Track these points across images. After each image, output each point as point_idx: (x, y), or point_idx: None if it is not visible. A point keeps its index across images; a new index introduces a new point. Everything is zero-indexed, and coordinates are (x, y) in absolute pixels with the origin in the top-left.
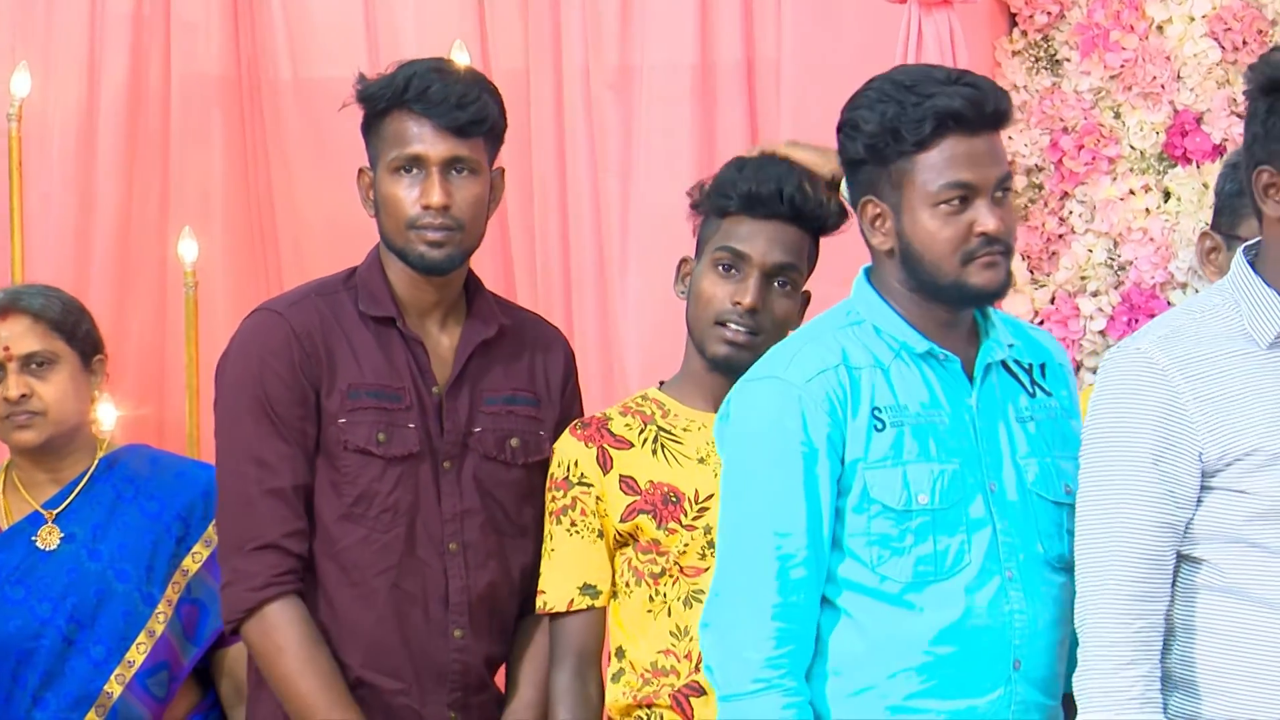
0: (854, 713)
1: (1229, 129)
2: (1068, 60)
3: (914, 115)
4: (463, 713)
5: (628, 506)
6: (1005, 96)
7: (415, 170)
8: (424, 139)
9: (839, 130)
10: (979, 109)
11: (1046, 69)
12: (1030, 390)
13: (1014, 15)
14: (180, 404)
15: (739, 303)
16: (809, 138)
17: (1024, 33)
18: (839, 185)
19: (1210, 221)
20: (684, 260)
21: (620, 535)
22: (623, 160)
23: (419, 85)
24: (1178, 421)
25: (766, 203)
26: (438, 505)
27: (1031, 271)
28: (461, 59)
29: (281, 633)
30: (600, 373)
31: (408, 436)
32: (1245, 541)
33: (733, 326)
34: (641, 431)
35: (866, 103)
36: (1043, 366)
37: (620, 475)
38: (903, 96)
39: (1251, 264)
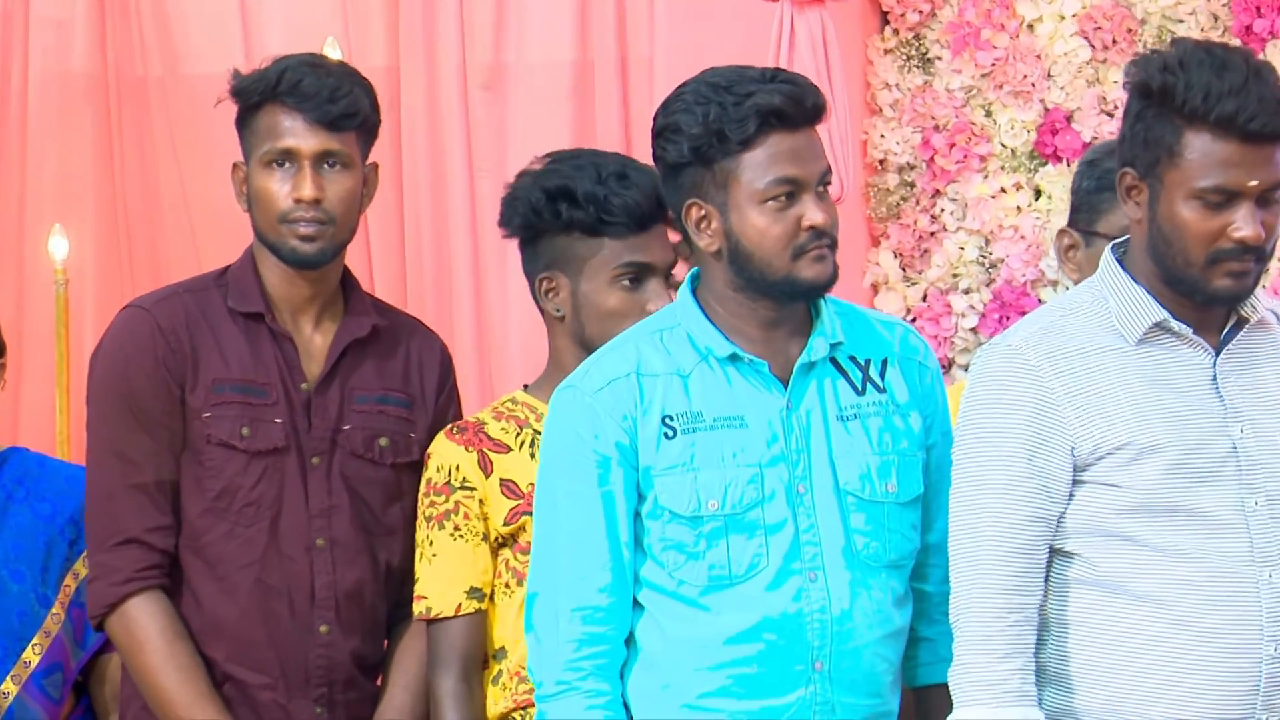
0: (655, 708)
1: (1099, 127)
2: (939, 59)
3: (736, 115)
4: (330, 709)
5: (511, 510)
6: (820, 92)
7: (287, 164)
8: (296, 133)
9: (656, 136)
10: (799, 104)
11: (918, 67)
12: (859, 387)
13: (886, 14)
14: (39, 403)
15: (652, 309)
16: None
17: (896, 31)
18: None
19: (1068, 219)
20: (544, 278)
21: (501, 537)
22: (499, 160)
23: (291, 79)
24: (1050, 417)
25: (652, 214)
26: (304, 501)
27: (904, 269)
28: (334, 55)
29: (143, 627)
30: (477, 374)
31: (272, 431)
32: (1117, 535)
33: None
34: (518, 435)
35: (684, 106)
36: (883, 362)
37: (501, 479)
38: (721, 98)
39: (1120, 261)
